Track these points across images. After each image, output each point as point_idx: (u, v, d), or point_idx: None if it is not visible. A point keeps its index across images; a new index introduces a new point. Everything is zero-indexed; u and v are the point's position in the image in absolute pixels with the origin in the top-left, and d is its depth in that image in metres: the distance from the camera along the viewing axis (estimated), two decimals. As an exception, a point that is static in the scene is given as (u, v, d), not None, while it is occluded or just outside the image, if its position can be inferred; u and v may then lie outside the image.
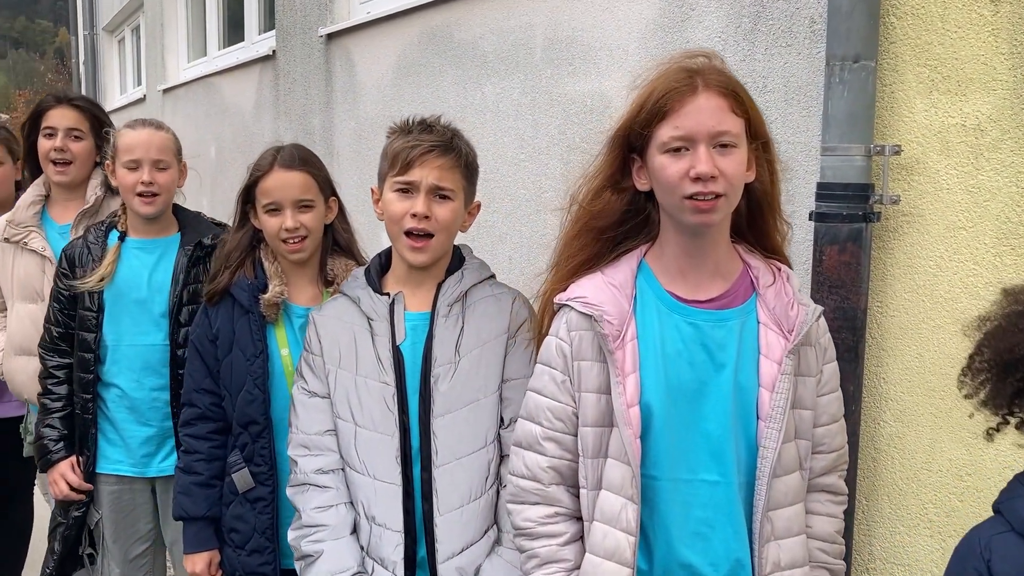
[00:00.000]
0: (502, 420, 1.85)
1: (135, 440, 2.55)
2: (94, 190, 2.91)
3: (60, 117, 2.86)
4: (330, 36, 4.58)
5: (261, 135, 5.53)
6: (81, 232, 2.77)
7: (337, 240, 2.27)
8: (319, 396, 1.91)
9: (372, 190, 1.99)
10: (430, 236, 1.85)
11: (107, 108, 10.91)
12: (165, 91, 7.57)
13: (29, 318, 2.82)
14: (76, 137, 2.87)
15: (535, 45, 3.19)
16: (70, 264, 2.54)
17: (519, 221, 3.33)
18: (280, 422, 2.11)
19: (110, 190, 2.90)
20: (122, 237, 2.55)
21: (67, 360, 2.56)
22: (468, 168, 1.94)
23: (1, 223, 2.87)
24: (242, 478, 2.13)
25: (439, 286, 1.91)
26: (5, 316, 2.96)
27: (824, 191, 2.07)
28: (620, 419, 1.49)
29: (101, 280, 2.48)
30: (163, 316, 2.51)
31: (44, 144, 2.84)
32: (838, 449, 1.64)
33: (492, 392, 1.85)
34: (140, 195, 2.47)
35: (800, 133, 2.25)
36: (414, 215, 1.83)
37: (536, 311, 1.77)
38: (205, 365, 2.20)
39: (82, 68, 14.96)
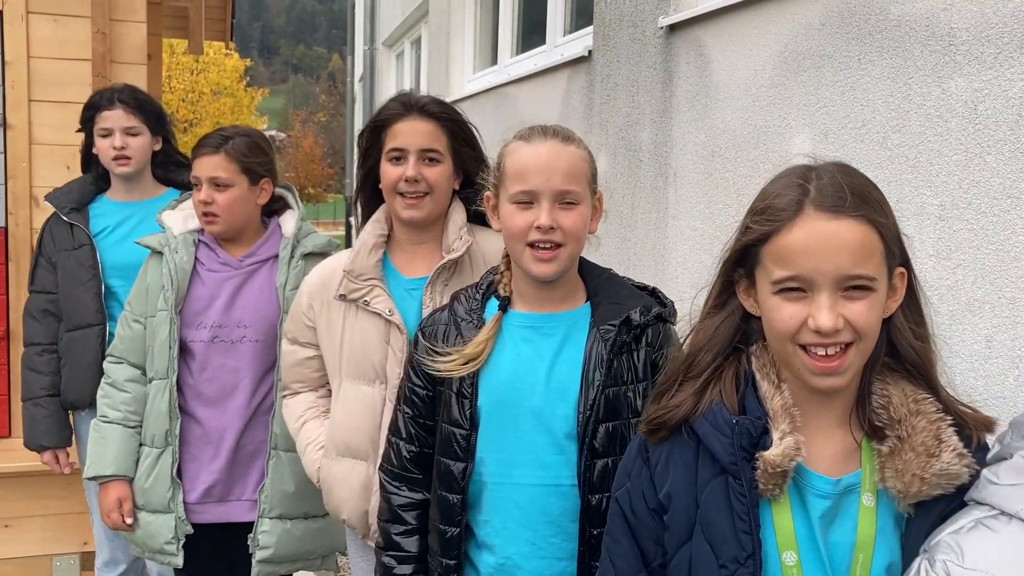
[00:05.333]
0: None
1: None
2: (458, 231, 2.04)
3: (411, 132, 1.96)
4: (672, 27, 3.64)
5: (566, 152, 4.69)
6: (440, 294, 1.98)
7: (897, 342, 1.20)
8: None
9: None
10: None
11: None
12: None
13: (362, 404, 1.99)
14: (432, 160, 1.98)
15: (1068, 12, 2.04)
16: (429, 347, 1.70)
17: (1004, 284, 2.19)
18: None
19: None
20: (504, 306, 1.68)
21: (421, 495, 1.72)
22: None
23: (326, 272, 2.09)
24: None
25: None
26: (328, 397, 2.16)
27: None
28: None
29: (467, 363, 1.61)
30: (569, 438, 1.59)
31: (391, 172, 1.97)
32: None
33: None
34: (534, 246, 1.58)
35: None
36: None
37: None
38: (638, 550, 1.25)
39: (358, 86, 15.24)
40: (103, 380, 2.46)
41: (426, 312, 1.97)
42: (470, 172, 2.06)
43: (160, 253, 2.40)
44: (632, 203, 3.93)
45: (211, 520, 2.42)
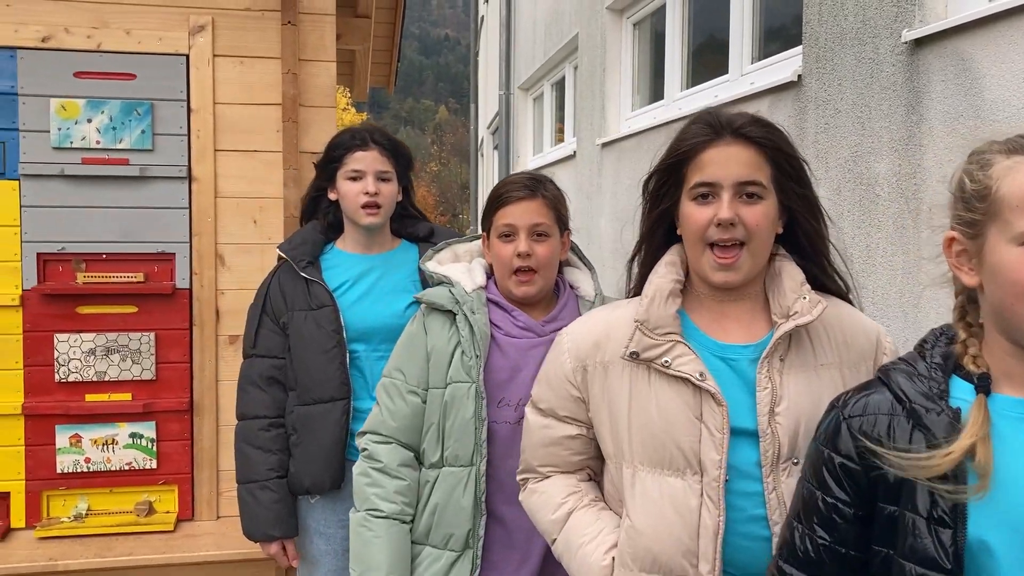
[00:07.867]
0: None
1: None
2: (799, 289, 1.56)
3: (724, 161, 1.50)
4: (918, 42, 3.14)
5: (766, 189, 4.21)
6: (779, 373, 1.52)
7: None
8: None
9: None
10: None
11: (519, 170, 10.45)
12: (604, 145, 6.62)
13: (671, 503, 1.52)
14: (752, 195, 1.52)
15: None
16: (870, 436, 1.23)
17: None
18: None
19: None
20: (985, 388, 1.19)
21: None
22: None
23: (597, 328, 1.64)
24: None
25: None
26: (589, 481, 1.72)
27: None
28: None
29: (949, 454, 1.12)
30: None
31: (698, 215, 1.52)
32: None
33: None
34: None
35: None
36: None
37: None
38: None
39: (483, 132, 15.13)
40: (367, 464, 2.02)
41: (763, 395, 1.50)
42: (796, 215, 1.58)
43: (451, 312, 2.00)
44: (867, 244, 3.41)
45: None
